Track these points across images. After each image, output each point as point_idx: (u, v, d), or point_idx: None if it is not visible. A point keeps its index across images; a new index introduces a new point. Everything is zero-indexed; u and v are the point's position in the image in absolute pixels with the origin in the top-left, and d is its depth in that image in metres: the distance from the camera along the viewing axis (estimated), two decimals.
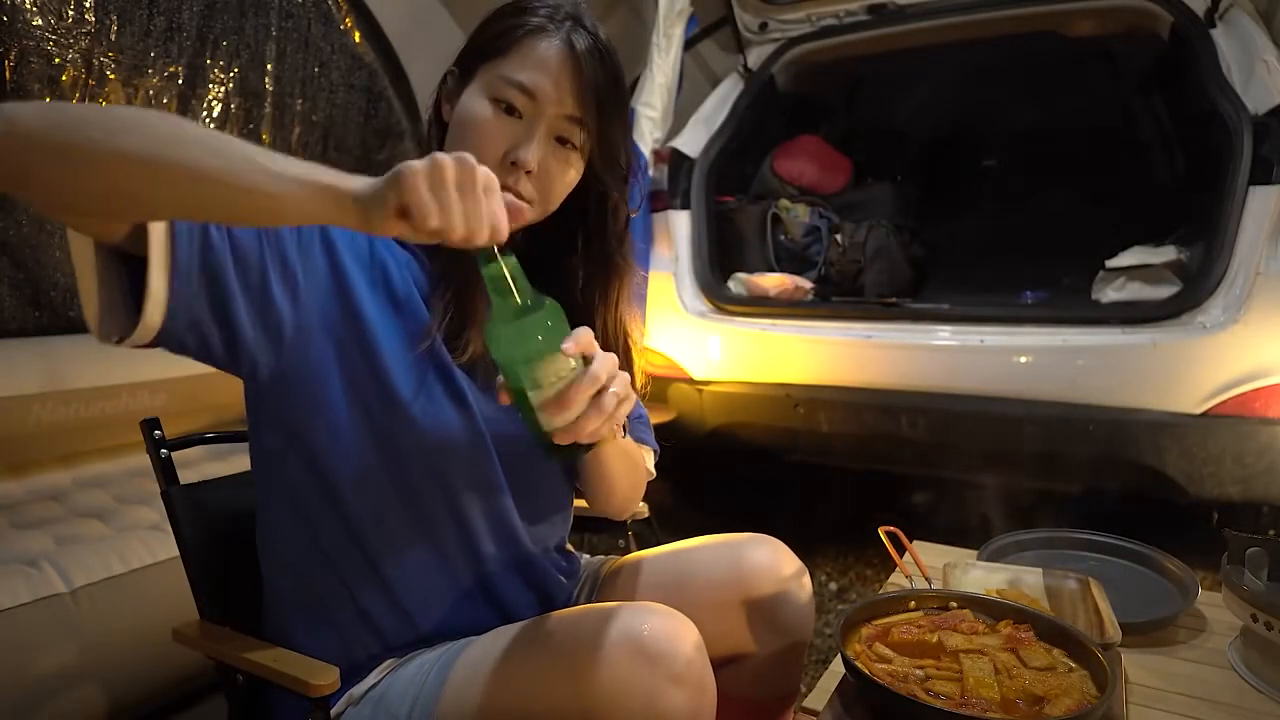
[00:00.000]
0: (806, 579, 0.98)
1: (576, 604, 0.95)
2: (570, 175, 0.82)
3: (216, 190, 0.56)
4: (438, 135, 0.85)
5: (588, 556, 1.07)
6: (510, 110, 0.78)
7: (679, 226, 2.49)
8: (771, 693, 1.00)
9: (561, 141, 0.80)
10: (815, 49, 2.77)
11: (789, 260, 2.70)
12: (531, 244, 0.86)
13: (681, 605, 0.76)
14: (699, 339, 2.36)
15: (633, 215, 0.91)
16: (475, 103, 0.79)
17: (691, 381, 2.35)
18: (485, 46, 0.81)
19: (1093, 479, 2.01)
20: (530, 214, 0.81)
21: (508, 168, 0.78)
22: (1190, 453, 1.80)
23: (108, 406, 1.91)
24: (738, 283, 2.52)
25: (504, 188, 0.76)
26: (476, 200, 0.59)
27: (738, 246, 2.67)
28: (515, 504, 0.86)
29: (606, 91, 0.81)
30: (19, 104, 0.55)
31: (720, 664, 0.95)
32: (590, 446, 0.71)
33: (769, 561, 0.95)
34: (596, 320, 0.88)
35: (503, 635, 0.78)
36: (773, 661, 0.96)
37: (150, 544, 1.49)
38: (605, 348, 0.87)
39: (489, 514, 0.84)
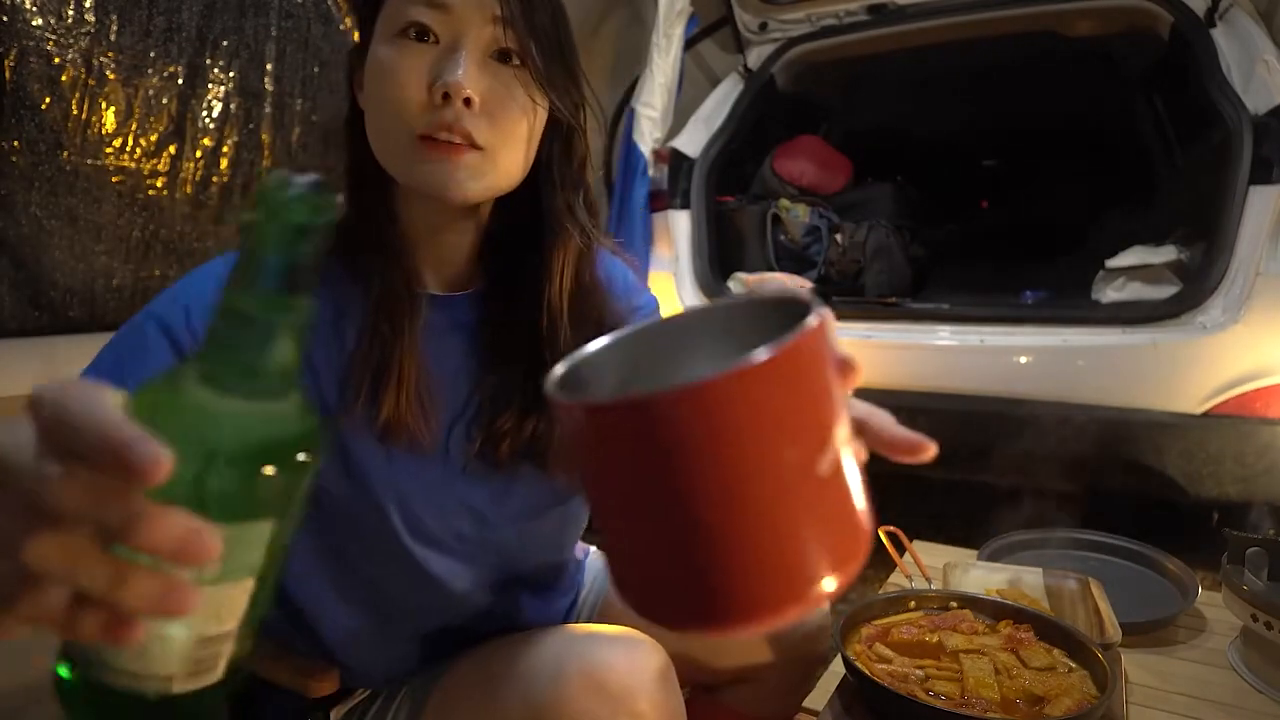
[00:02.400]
0: None
1: (581, 610, 0.92)
2: (523, 102, 0.64)
3: None
4: (355, 131, 0.69)
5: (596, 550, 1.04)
6: (422, 35, 0.62)
7: (679, 226, 2.49)
8: (781, 712, 0.96)
9: (503, 58, 0.64)
10: (815, 49, 2.77)
11: (789, 260, 2.70)
12: (500, 227, 0.73)
13: None
14: None
15: (596, 174, 0.75)
16: (378, 51, 0.64)
17: None
18: None
19: (1093, 479, 2.00)
20: (486, 169, 0.64)
21: (439, 104, 0.61)
22: (1190, 453, 1.79)
23: None
24: (738, 283, 2.51)
25: (442, 132, 0.62)
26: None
27: (738, 246, 2.67)
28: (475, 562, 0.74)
29: None
30: None
31: (729, 681, 0.92)
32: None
33: None
34: (541, 304, 0.71)
35: (473, 669, 0.73)
36: (783, 681, 0.93)
37: None
38: (554, 340, 0.70)
39: (449, 591, 0.74)
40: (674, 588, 0.29)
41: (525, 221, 0.72)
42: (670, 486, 0.27)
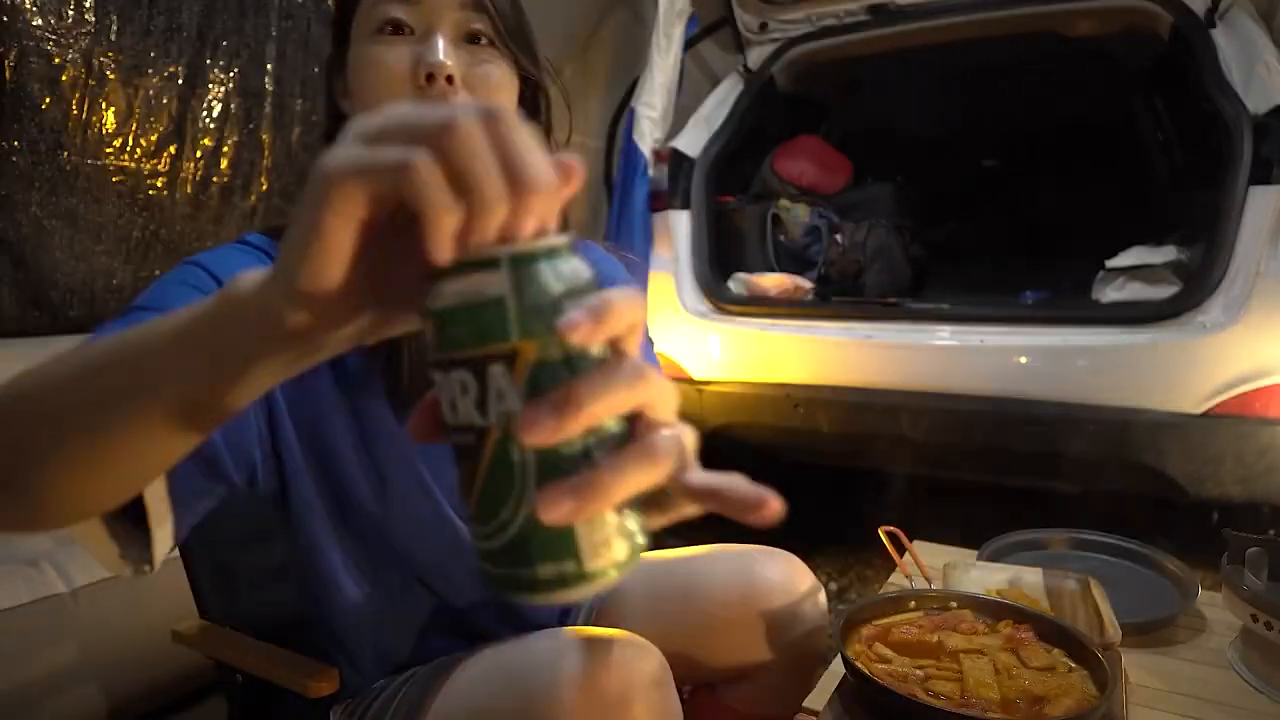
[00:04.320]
0: (822, 596, 0.94)
1: (579, 612, 0.92)
2: (499, 75, 0.69)
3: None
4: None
5: None
6: (398, 29, 0.67)
7: (679, 226, 2.49)
8: (781, 710, 0.96)
9: (472, 39, 0.69)
10: (815, 49, 2.77)
11: (789, 260, 2.70)
12: None
13: (689, 617, 0.73)
14: (699, 339, 2.36)
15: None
16: (358, 51, 0.68)
17: (691, 381, 2.35)
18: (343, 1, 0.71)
19: (1093, 479, 2.00)
20: None
21: (423, 85, 0.65)
22: (1191, 453, 1.79)
23: None
24: (738, 282, 2.52)
25: None
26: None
27: (738, 246, 2.67)
28: None
29: None
30: None
31: (729, 679, 0.93)
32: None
33: (783, 577, 0.91)
34: None
35: (469, 671, 0.74)
36: (783, 679, 0.92)
37: None
38: None
39: (466, 586, 0.79)
40: None
41: None
42: None
